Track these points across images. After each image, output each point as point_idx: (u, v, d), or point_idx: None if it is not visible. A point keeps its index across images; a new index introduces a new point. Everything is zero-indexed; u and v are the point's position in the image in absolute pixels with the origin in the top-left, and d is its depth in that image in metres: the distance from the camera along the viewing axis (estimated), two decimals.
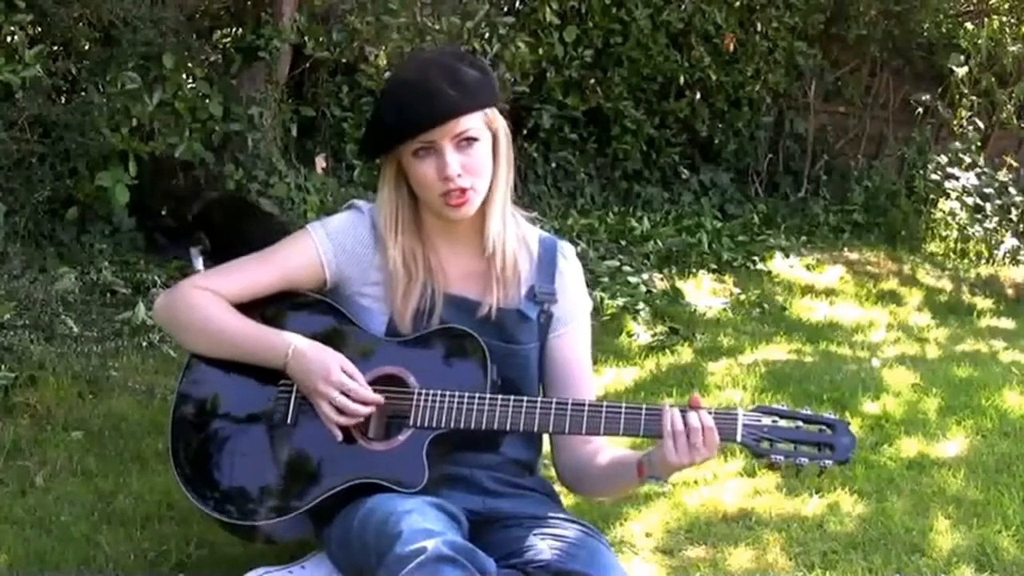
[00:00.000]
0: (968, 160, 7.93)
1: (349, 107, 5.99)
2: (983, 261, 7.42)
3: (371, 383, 2.11)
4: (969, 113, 8.30)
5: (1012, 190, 7.88)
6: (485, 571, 1.86)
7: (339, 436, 2.09)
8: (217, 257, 4.28)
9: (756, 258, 6.53)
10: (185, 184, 5.23)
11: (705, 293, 5.85)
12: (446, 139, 2.08)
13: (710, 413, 2.04)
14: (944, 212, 7.70)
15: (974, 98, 8.32)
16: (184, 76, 4.92)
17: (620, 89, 7.22)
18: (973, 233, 7.55)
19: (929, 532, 3.04)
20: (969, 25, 8.46)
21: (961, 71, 8.16)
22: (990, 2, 8.54)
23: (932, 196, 7.74)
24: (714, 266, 6.31)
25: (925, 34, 8.25)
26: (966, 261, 7.38)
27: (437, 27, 5.41)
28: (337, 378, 2.07)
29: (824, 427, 2.06)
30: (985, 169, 7.93)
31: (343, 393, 2.07)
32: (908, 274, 6.80)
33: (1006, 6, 8.55)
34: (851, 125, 8.45)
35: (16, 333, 3.63)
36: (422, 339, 2.16)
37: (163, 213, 5.20)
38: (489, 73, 2.18)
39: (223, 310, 2.17)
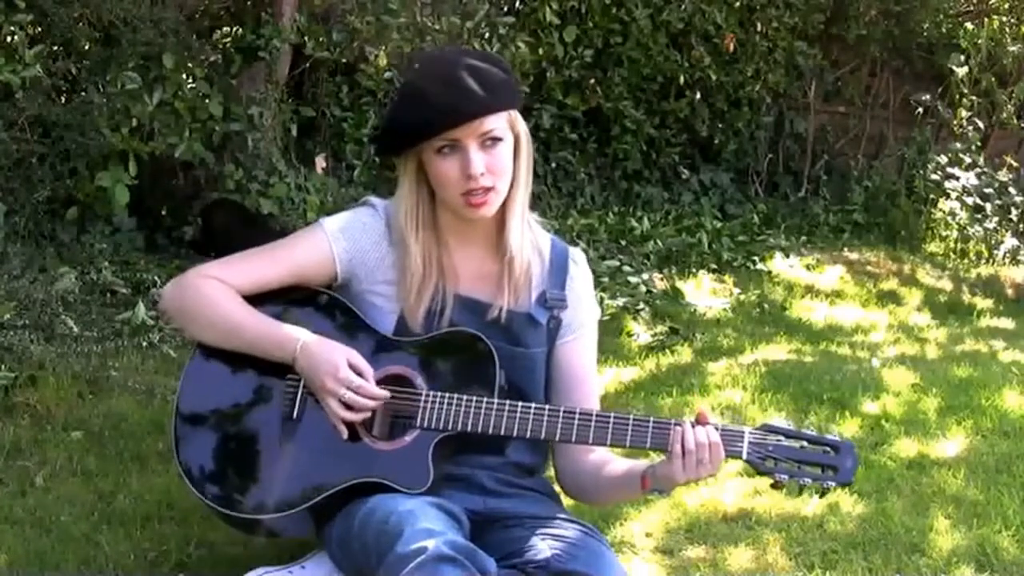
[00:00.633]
0: (968, 160, 7.94)
1: (349, 107, 5.99)
2: (983, 261, 7.42)
3: (378, 383, 2.10)
4: (969, 113, 8.30)
5: (1012, 190, 7.88)
6: (486, 571, 1.86)
7: (344, 433, 2.08)
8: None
9: (756, 258, 6.53)
10: (185, 184, 5.23)
11: (705, 293, 5.85)
12: (471, 138, 2.07)
13: (717, 429, 2.05)
14: (944, 212, 7.70)
15: (974, 98, 8.32)
16: (184, 76, 4.91)
17: (620, 89, 7.22)
18: (973, 233, 7.55)
19: (929, 532, 3.04)
20: (969, 25, 8.46)
21: (961, 71, 8.16)
22: (990, 2, 8.55)
23: (932, 196, 7.74)
24: (714, 266, 6.31)
25: (925, 34, 8.25)
26: (966, 261, 7.38)
27: (437, 27, 5.41)
28: (345, 375, 2.06)
29: (828, 448, 2.08)
30: (985, 169, 7.94)
31: (350, 390, 2.06)
32: (908, 274, 6.80)
33: (1006, 6, 8.55)
34: (851, 125, 8.45)
35: (16, 333, 3.62)
36: (431, 340, 2.15)
37: (163, 213, 5.22)
38: (513, 75, 2.18)
39: (232, 301, 2.15)
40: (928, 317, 5.95)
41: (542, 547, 2.06)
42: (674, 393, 4.09)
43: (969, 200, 7.68)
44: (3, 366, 3.43)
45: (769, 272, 6.35)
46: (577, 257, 2.30)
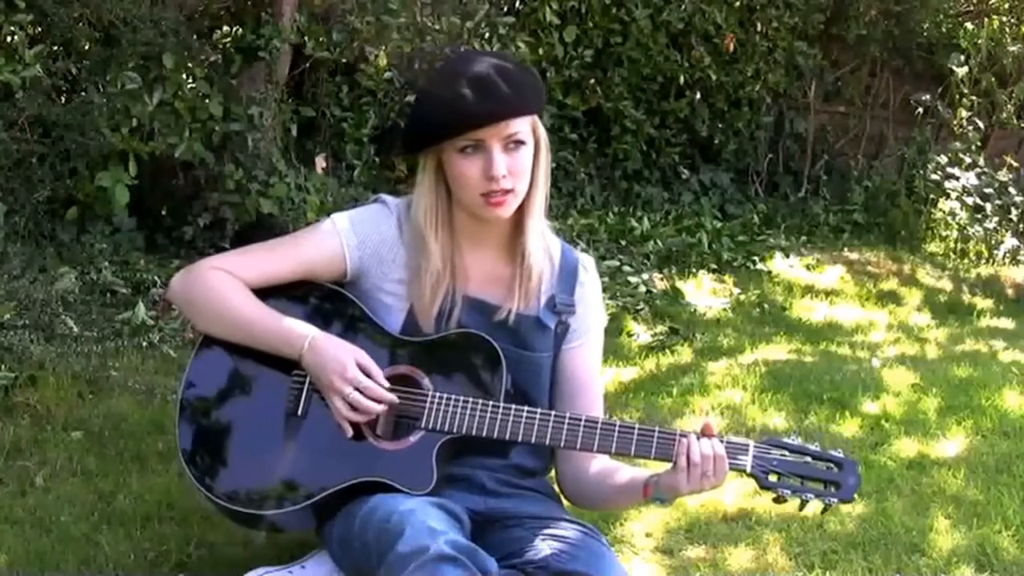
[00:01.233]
0: (968, 160, 7.93)
1: (349, 107, 5.99)
2: (983, 261, 7.42)
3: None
4: (969, 113, 8.29)
5: (1012, 190, 7.88)
6: (487, 571, 1.86)
7: (349, 432, 2.08)
8: None
9: (756, 258, 6.53)
10: (185, 184, 5.23)
11: (705, 293, 5.85)
12: (496, 139, 2.06)
13: (722, 441, 2.05)
14: (944, 212, 7.70)
15: (974, 98, 8.32)
16: (184, 76, 4.91)
17: (620, 89, 7.21)
18: (973, 233, 7.54)
19: (929, 532, 3.03)
20: (969, 25, 8.45)
21: (961, 71, 8.16)
22: (990, 2, 8.54)
23: (932, 196, 7.73)
24: (714, 266, 6.31)
25: (925, 34, 8.24)
26: (966, 261, 7.38)
27: (437, 27, 5.41)
28: (352, 374, 2.06)
29: (832, 465, 2.08)
30: (985, 169, 7.93)
31: (357, 390, 2.06)
32: (908, 274, 6.79)
33: (1006, 6, 8.55)
34: (851, 125, 8.45)
35: (16, 333, 3.62)
36: (439, 341, 2.15)
37: (163, 213, 5.21)
38: (539, 79, 2.18)
39: (241, 294, 2.15)
40: (928, 317, 5.95)
41: (542, 547, 2.06)
42: (674, 393, 4.09)
43: (969, 200, 7.68)
44: (3, 366, 3.43)
45: (769, 272, 6.35)
46: (587, 263, 2.31)
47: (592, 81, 7.16)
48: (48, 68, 4.47)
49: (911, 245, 7.45)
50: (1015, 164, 8.17)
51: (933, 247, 7.56)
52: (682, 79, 7.43)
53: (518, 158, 2.09)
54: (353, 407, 2.06)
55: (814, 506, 2.07)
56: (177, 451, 2.16)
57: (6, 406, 3.31)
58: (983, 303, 6.42)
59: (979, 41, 8.23)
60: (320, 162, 5.73)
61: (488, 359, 2.12)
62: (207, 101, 4.93)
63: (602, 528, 2.55)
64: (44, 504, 2.80)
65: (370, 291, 2.20)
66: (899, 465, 3.52)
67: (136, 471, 3.02)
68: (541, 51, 6.67)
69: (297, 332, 2.11)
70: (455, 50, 5.24)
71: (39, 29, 4.69)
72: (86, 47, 4.90)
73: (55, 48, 4.72)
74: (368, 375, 2.07)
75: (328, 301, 2.20)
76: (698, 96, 7.60)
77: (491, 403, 2.08)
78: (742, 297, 5.83)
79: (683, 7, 7.23)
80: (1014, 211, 7.77)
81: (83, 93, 4.73)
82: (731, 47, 7.56)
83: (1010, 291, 6.80)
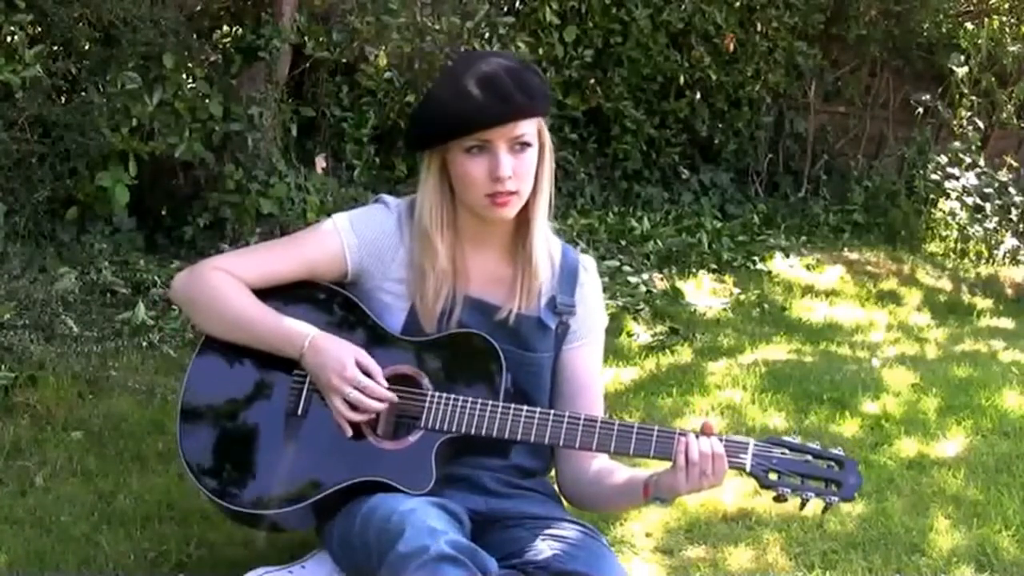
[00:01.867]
0: (968, 160, 7.93)
1: (349, 107, 5.99)
2: (983, 261, 7.42)
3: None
4: (969, 113, 8.30)
5: (1012, 190, 7.88)
6: (487, 571, 1.86)
7: (349, 432, 2.08)
8: None
9: (756, 258, 6.52)
10: (185, 184, 5.23)
11: (705, 293, 5.85)
12: (503, 140, 2.06)
13: (721, 440, 2.05)
14: (944, 212, 7.70)
15: (974, 98, 8.32)
16: (184, 76, 4.91)
17: (620, 89, 7.21)
18: (973, 233, 7.55)
19: (929, 532, 3.04)
20: (969, 25, 8.45)
21: (961, 71, 8.16)
22: (990, 2, 8.54)
23: (932, 196, 7.74)
24: (714, 266, 6.31)
25: (925, 34, 8.24)
26: (966, 261, 7.38)
27: (437, 27, 5.41)
28: (351, 374, 2.06)
29: (833, 463, 2.08)
30: (985, 169, 7.93)
31: (357, 389, 2.06)
32: (908, 274, 6.79)
33: (1006, 6, 8.55)
34: (851, 125, 8.45)
35: (16, 333, 3.62)
36: (439, 341, 2.15)
37: (163, 213, 5.21)
38: (546, 82, 2.18)
39: (242, 294, 2.15)
40: (928, 317, 5.95)
41: (543, 547, 2.06)
42: (674, 393, 4.09)
43: (969, 200, 7.68)
44: (3, 366, 3.43)
45: (769, 272, 6.35)
46: (588, 264, 2.31)
47: (592, 81, 7.16)
48: (48, 68, 4.47)
49: (911, 245, 7.46)
50: (1015, 164, 8.17)
51: (933, 247, 7.56)
52: (682, 79, 7.43)
53: (524, 160, 2.09)
54: (353, 406, 2.07)
55: (814, 505, 2.06)
56: (178, 451, 2.17)
57: (6, 406, 3.31)
58: (983, 303, 6.43)
59: (979, 41, 8.23)
60: (320, 162, 5.73)
61: (488, 359, 2.12)
62: (207, 101, 4.93)
63: (602, 528, 2.55)
64: (44, 504, 2.80)
65: (371, 291, 2.21)
66: (899, 465, 3.52)
67: (136, 471, 3.02)
68: (541, 51, 6.67)
69: (298, 331, 2.12)
70: (457, 50, 5.24)
71: (39, 29, 4.69)
72: (86, 47, 4.90)
73: (55, 48, 4.72)
74: (368, 374, 2.08)
75: (329, 301, 2.21)
76: (698, 96, 7.60)
77: (490, 402, 2.08)
78: (742, 297, 5.82)
79: (683, 7, 7.23)
80: (1014, 211, 7.78)
81: (83, 93, 4.73)
82: (731, 47, 7.55)
83: (1010, 291, 6.80)
